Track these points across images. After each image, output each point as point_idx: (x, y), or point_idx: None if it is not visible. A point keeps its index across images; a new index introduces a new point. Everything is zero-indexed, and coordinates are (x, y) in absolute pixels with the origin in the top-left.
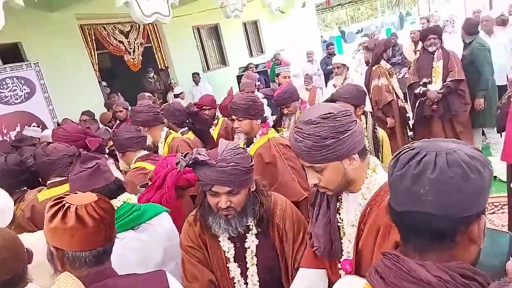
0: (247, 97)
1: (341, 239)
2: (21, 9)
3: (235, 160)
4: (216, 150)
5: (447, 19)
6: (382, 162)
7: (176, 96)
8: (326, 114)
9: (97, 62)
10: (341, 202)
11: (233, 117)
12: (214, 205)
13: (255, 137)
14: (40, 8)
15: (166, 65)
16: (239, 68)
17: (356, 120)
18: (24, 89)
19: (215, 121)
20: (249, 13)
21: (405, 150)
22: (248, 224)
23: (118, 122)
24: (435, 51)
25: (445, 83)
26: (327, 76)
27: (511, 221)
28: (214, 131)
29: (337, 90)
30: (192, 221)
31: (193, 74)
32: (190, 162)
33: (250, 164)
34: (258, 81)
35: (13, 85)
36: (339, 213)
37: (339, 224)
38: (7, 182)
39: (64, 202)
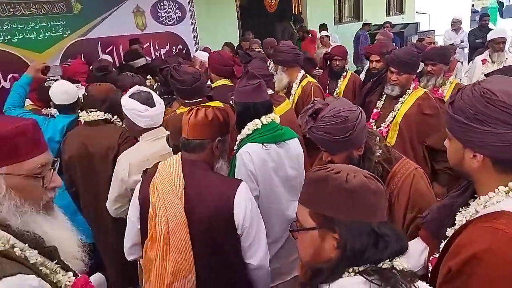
0: (412, 52)
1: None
2: None
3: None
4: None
5: None
6: None
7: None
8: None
9: None
10: None
11: (391, 69)
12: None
13: (409, 89)
14: None
15: (300, 11)
16: (372, 25)
17: None
18: (177, 13)
19: (344, 73)
20: None
21: None
22: None
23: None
24: None
25: None
26: (473, 50)
27: None
28: (342, 83)
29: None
30: None
31: (320, 25)
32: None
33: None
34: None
35: (168, 7)
36: None
37: None
38: None
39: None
